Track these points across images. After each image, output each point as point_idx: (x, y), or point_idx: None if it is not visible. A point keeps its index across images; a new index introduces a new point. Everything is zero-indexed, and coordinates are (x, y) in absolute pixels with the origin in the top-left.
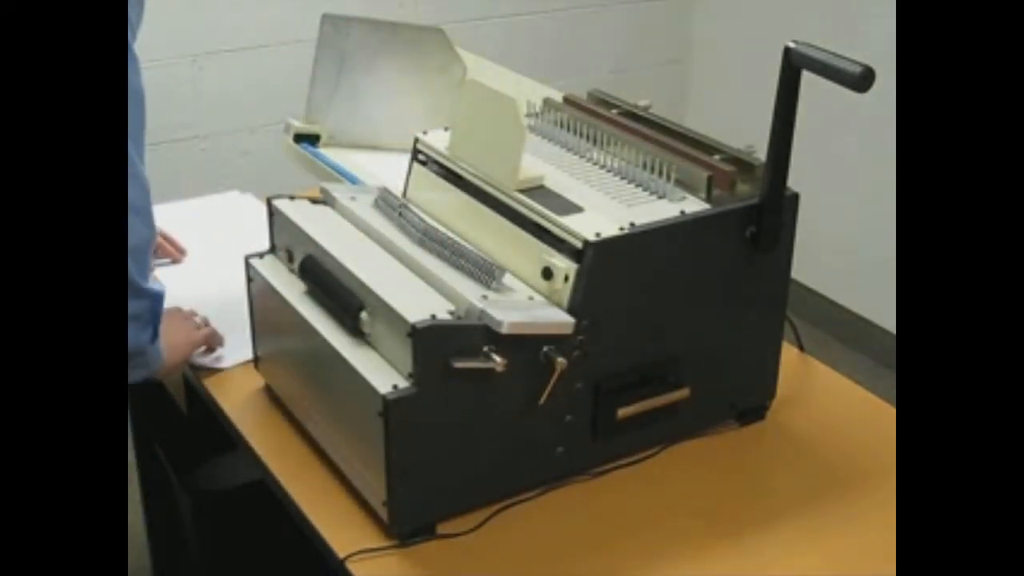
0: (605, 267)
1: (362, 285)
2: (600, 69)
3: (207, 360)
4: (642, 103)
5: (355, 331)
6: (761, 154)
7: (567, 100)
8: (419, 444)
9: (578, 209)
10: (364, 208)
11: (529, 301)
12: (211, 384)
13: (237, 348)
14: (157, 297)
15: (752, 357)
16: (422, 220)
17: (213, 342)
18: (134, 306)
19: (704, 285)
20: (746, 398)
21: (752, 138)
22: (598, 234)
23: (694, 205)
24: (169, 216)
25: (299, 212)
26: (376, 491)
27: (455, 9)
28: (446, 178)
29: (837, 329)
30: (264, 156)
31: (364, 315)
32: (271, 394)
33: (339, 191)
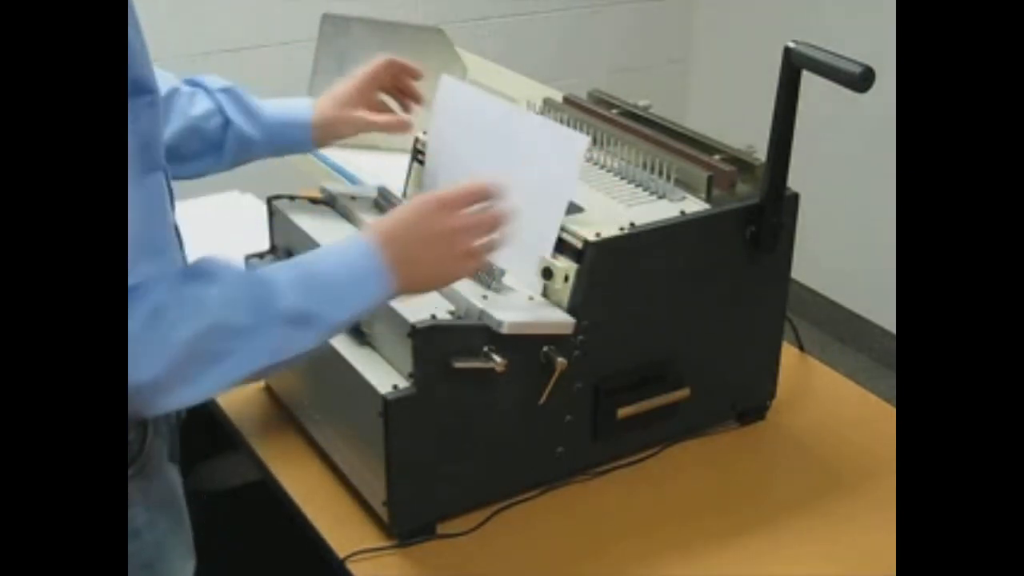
0: (605, 267)
1: None
2: (600, 69)
3: None
4: (642, 103)
5: (355, 331)
6: (761, 154)
7: (567, 100)
8: (419, 444)
9: (578, 209)
10: (364, 208)
11: (529, 301)
12: None
13: None
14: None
15: (752, 357)
16: None
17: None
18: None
19: (704, 285)
20: (746, 398)
21: (752, 138)
22: (598, 234)
23: (694, 205)
24: None
25: (299, 212)
26: (376, 491)
27: (455, 9)
28: None
29: (837, 329)
30: None
31: None
32: (271, 394)
33: (339, 191)
